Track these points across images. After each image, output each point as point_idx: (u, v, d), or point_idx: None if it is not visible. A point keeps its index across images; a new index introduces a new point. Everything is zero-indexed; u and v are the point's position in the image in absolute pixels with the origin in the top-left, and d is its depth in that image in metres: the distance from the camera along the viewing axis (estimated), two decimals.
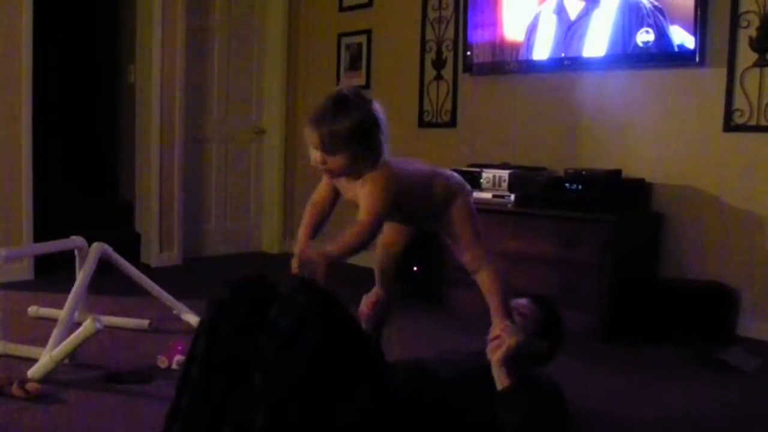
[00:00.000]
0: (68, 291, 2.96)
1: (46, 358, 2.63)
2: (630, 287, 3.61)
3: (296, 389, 1.71)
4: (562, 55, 4.22)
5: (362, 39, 5.51)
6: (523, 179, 3.97)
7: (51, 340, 2.71)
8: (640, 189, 3.87)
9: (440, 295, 4.09)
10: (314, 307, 1.77)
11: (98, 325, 2.56)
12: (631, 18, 3.91)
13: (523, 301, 2.35)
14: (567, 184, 3.79)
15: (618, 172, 3.90)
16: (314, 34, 5.93)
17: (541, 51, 4.32)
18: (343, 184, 2.02)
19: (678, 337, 3.52)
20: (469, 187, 2.18)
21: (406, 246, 2.29)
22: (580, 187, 3.74)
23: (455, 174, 2.19)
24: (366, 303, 2.29)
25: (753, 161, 3.67)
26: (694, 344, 3.42)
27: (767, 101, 3.60)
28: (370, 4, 5.46)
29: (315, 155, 1.94)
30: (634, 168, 3.99)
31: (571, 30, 4.17)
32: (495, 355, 2.03)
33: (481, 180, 4.04)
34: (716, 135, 3.78)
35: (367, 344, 1.93)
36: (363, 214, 1.90)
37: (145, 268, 4.79)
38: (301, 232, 2.09)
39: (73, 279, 3.09)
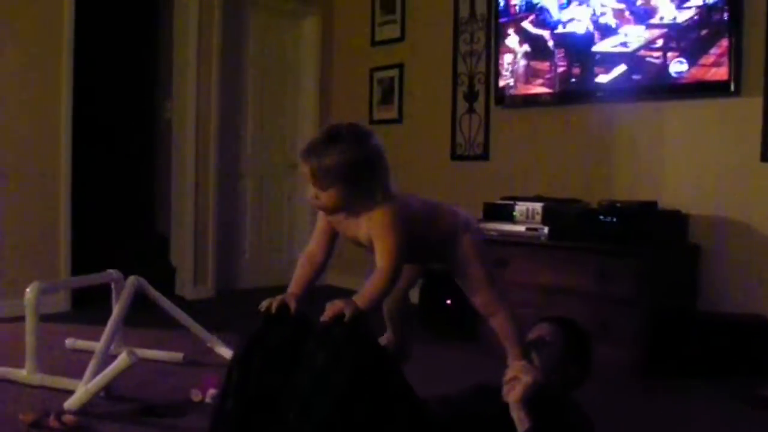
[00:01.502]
0: (105, 323, 3.00)
1: (82, 390, 2.66)
2: (667, 321, 3.55)
3: (329, 427, 1.70)
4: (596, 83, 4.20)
5: (394, 73, 5.56)
6: (556, 211, 3.94)
7: (87, 373, 2.74)
8: (677, 220, 3.81)
9: (474, 329, 4.05)
10: (349, 342, 1.75)
11: (133, 358, 2.58)
12: (668, 46, 3.89)
13: (543, 325, 2.26)
14: (601, 216, 3.75)
15: (653, 203, 3.85)
16: (347, 68, 6.00)
17: (578, 81, 4.32)
18: (341, 223, 1.95)
19: (718, 372, 3.43)
20: (477, 224, 2.13)
21: (409, 285, 2.24)
22: (614, 219, 3.70)
23: (461, 211, 2.12)
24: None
25: None
26: (735, 379, 3.34)
27: None
28: (402, 38, 5.51)
29: (310, 190, 1.88)
30: (670, 199, 3.94)
31: (603, 60, 4.16)
32: (512, 395, 1.96)
33: (515, 213, 4.02)
34: (754, 165, 3.73)
35: (399, 380, 1.91)
36: (381, 261, 1.85)
37: (180, 301, 4.82)
38: (292, 287, 2.00)
39: (109, 311, 3.13)
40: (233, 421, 1.84)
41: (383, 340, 2.25)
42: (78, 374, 2.80)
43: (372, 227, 1.87)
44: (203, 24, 5.25)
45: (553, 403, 2.07)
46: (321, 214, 2.01)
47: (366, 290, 1.84)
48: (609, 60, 4.13)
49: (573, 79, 4.34)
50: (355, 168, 1.81)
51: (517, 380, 1.97)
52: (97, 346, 2.89)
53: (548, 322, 2.29)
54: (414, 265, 2.20)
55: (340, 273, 6.06)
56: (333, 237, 2.04)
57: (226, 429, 1.85)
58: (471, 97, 5.02)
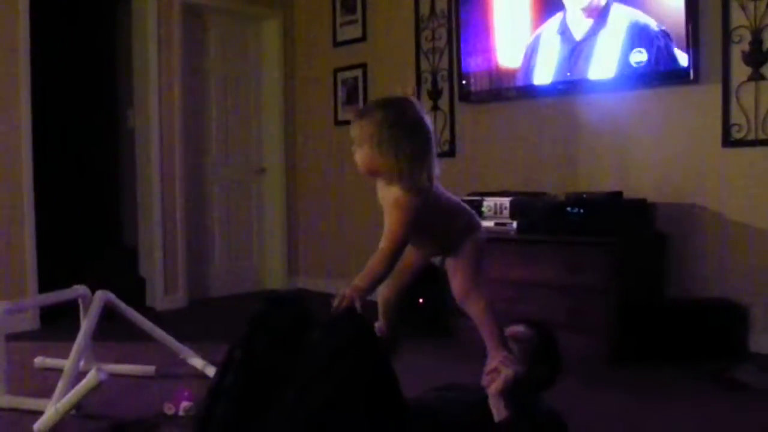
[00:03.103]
0: (74, 339, 2.95)
1: (51, 410, 2.61)
2: (637, 309, 3.58)
3: (325, 415, 1.72)
4: (568, 74, 4.20)
5: (357, 73, 5.55)
6: (524, 206, 3.96)
7: (56, 392, 2.69)
8: (642, 210, 3.85)
9: (447, 326, 4.05)
10: (355, 337, 1.79)
11: (102, 376, 2.55)
12: (634, 39, 3.92)
13: (518, 327, 2.32)
14: (568, 209, 3.77)
15: (619, 193, 3.89)
16: (310, 70, 5.98)
17: (543, 74, 4.33)
18: (381, 189, 2.02)
19: (688, 357, 3.48)
20: (483, 228, 2.19)
21: (412, 280, 2.26)
22: (581, 210, 3.72)
23: (473, 211, 2.20)
24: None
25: (753, 175, 3.67)
26: (706, 363, 3.39)
27: (764, 115, 3.60)
28: (363, 38, 5.50)
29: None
30: (636, 189, 3.98)
31: (575, 51, 4.17)
32: (493, 386, 2.00)
33: (483, 208, 4.03)
34: (715, 151, 3.78)
35: (394, 382, 1.92)
36: (383, 240, 1.93)
37: (151, 312, 4.78)
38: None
39: (78, 327, 3.08)
40: (233, 395, 1.88)
41: (375, 329, 2.26)
42: (48, 394, 2.74)
43: (387, 202, 1.95)
44: (163, 30, 5.19)
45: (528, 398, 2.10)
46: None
47: (365, 271, 1.89)
48: (571, 53, 4.15)
49: (536, 73, 4.35)
50: (381, 132, 1.90)
51: (497, 372, 2.00)
52: (66, 364, 2.84)
53: (520, 322, 2.35)
54: (416, 261, 2.21)
55: (319, 278, 6.06)
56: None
57: (225, 402, 1.88)
58: (435, 94, 5.02)
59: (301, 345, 1.84)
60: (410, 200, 1.92)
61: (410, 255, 2.20)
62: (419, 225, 1.95)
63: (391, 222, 1.93)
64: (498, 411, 1.98)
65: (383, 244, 1.92)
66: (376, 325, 2.28)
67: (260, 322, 1.96)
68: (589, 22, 4.09)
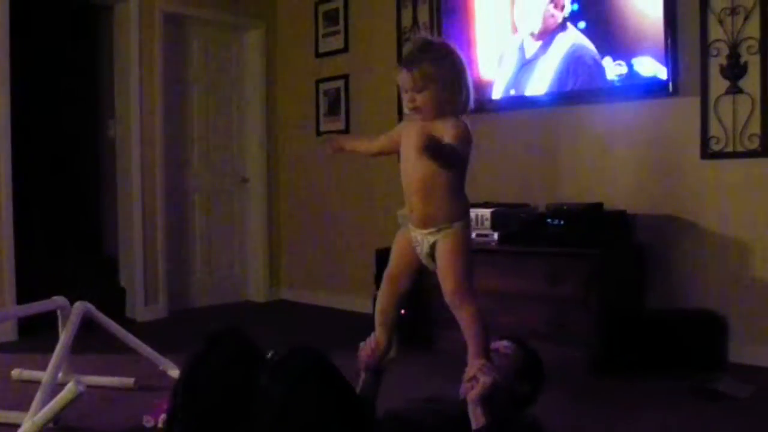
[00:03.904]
0: (53, 351, 2.92)
1: (28, 423, 2.58)
2: (617, 320, 3.60)
3: None
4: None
5: (340, 84, 5.56)
6: (505, 217, 3.98)
7: (34, 405, 2.66)
8: (622, 221, 3.88)
9: (429, 338, 4.05)
10: (308, 373, 1.76)
11: (80, 388, 2.52)
12: (605, 51, 3.96)
13: (504, 342, 2.34)
14: (549, 220, 3.79)
15: (599, 205, 3.91)
16: (292, 80, 5.98)
17: (518, 87, 4.37)
18: (414, 128, 2.13)
19: (668, 367, 3.50)
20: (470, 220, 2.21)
21: (408, 286, 2.28)
22: (562, 222, 3.75)
23: None
24: (365, 349, 2.28)
25: (731, 187, 3.71)
26: (686, 374, 3.41)
27: (742, 127, 3.64)
28: (346, 49, 5.51)
29: (406, 97, 2.11)
30: (616, 200, 4.01)
31: (525, 68, 4.22)
32: (471, 394, 2.00)
33: None
34: (694, 163, 3.82)
35: (359, 408, 1.91)
36: (452, 140, 2.02)
37: (131, 323, 4.74)
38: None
39: (57, 338, 3.05)
40: None
41: (371, 340, 2.29)
42: (25, 406, 2.71)
43: (448, 130, 2.05)
44: (144, 39, 5.18)
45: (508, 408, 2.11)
46: (394, 129, 2.26)
47: (450, 145, 1.99)
48: (549, 64, 4.18)
49: (514, 84, 4.38)
50: (447, 73, 2.07)
51: (476, 380, 2.01)
52: (44, 376, 2.81)
53: (507, 339, 2.38)
54: (411, 265, 2.24)
55: (301, 288, 6.06)
56: (393, 146, 2.24)
57: None
58: None
59: (251, 386, 1.79)
60: (466, 124, 2.09)
61: (407, 258, 2.22)
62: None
63: (456, 138, 2.03)
64: (476, 419, 1.98)
65: (455, 144, 2.02)
66: (373, 337, 2.29)
67: (199, 363, 1.91)
68: (537, 44, 4.23)
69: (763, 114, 3.58)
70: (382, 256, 4.60)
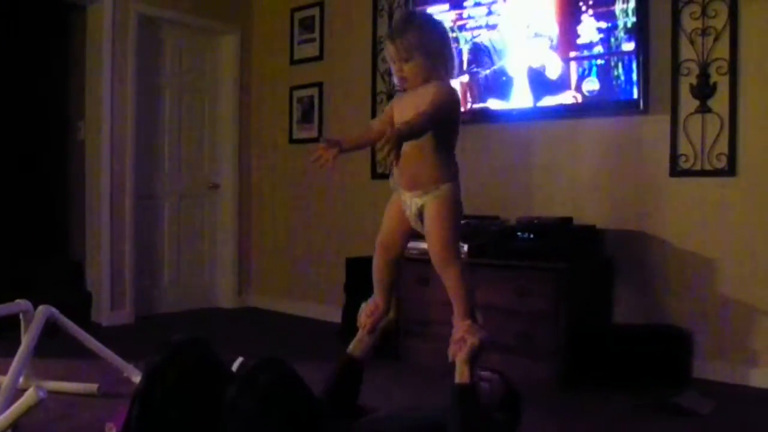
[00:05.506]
0: (15, 355, 2.87)
1: None
2: (585, 334, 3.63)
3: None
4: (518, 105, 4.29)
5: (314, 92, 5.55)
6: (475, 229, 3.98)
7: None
8: (591, 236, 3.91)
9: (397, 348, 4.05)
10: (276, 387, 1.74)
11: (41, 394, 2.47)
12: (578, 67, 4.00)
13: (487, 373, 2.36)
14: (519, 233, 3.81)
15: (569, 219, 3.94)
16: (266, 87, 5.96)
17: (488, 100, 4.39)
18: (405, 98, 2.23)
19: (634, 382, 3.52)
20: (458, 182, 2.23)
21: (401, 250, 2.34)
22: (532, 235, 3.77)
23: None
24: (366, 312, 2.35)
25: (699, 205, 3.75)
26: (651, 389, 3.43)
27: (710, 146, 3.69)
28: (321, 57, 5.51)
29: (394, 68, 2.21)
30: (585, 215, 4.04)
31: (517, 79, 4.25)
32: (460, 354, 2.04)
33: None
34: (663, 180, 3.86)
35: (326, 420, 1.90)
36: (429, 107, 2.05)
37: (96, 328, 4.68)
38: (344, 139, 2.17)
39: (19, 342, 2.99)
40: None
41: (371, 304, 2.36)
42: None
43: (432, 94, 2.10)
44: (117, 40, 5.13)
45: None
46: (385, 110, 2.34)
47: (408, 125, 1.99)
48: (521, 78, 4.21)
49: (487, 98, 4.40)
50: (430, 42, 2.16)
51: (463, 341, 2.06)
52: (4, 381, 2.76)
53: (490, 370, 2.40)
54: (401, 229, 2.28)
55: (270, 296, 6.02)
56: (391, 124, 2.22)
57: None
58: None
59: (212, 398, 1.77)
60: (450, 87, 2.19)
61: (397, 221, 2.26)
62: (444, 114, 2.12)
63: (435, 99, 2.07)
64: (462, 375, 2.02)
65: (428, 108, 2.04)
66: (370, 301, 2.35)
67: (156, 374, 1.88)
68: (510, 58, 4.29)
69: (730, 134, 3.64)
70: (352, 265, 4.61)
